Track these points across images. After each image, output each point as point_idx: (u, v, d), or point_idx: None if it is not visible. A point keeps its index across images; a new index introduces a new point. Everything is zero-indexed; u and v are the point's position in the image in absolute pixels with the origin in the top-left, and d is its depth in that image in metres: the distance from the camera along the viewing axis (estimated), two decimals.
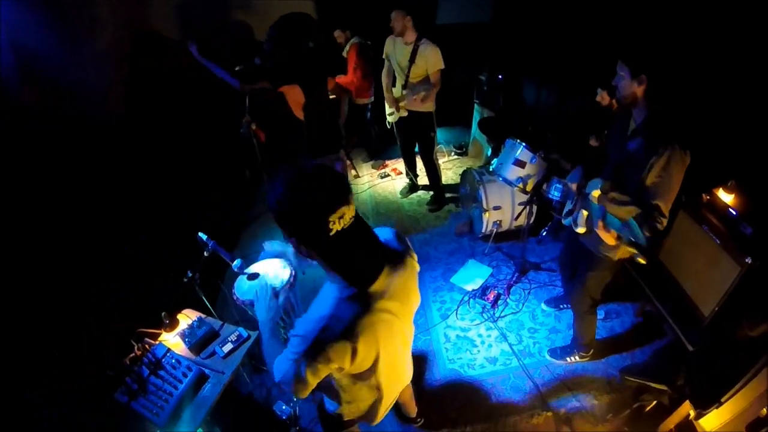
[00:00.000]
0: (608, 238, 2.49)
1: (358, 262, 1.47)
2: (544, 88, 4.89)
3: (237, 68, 3.69)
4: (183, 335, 2.37)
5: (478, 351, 3.43)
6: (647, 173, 2.23)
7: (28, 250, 3.39)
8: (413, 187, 5.18)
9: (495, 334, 3.54)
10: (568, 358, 3.30)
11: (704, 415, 2.56)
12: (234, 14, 5.22)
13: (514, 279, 3.90)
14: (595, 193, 2.38)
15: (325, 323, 1.46)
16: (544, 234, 4.09)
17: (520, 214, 3.88)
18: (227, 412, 2.50)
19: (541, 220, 4.14)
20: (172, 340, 2.42)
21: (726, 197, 2.97)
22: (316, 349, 1.45)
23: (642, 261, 2.49)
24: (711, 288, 2.89)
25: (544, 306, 3.72)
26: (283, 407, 3.02)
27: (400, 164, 5.47)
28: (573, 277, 3.05)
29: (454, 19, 5.48)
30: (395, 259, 1.60)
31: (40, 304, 3.32)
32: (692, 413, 2.65)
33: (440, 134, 4.61)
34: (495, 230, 4.08)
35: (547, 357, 3.36)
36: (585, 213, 2.62)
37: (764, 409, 2.25)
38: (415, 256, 1.73)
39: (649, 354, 3.37)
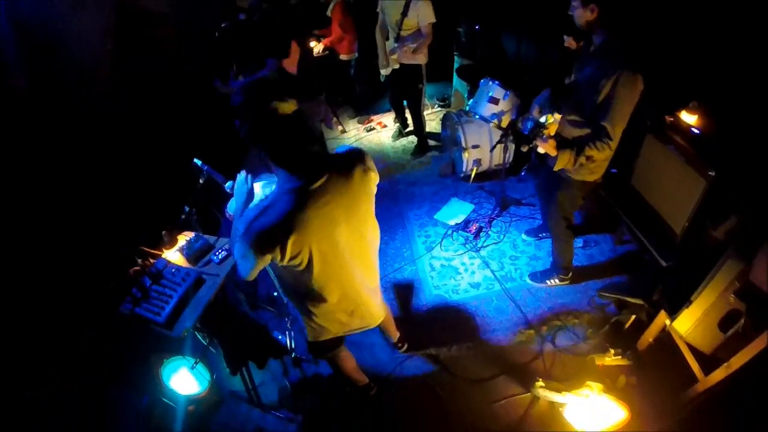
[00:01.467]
0: (549, 149, 2.63)
1: (301, 156, 1.62)
2: (523, 38, 4.97)
3: (222, 24, 3.76)
4: (182, 249, 2.56)
5: (462, 278, 3.59)
6: (598, 95, 2.38)
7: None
8: (402, 133, 5.37)
9: (478, 263, 3.68)
10: (548, 281, 3.45)
11: (677, 317, 2.72)
12: None
13: (495, 213, 4.04)
14: (557, 116, 2.52)
15: (263, 210, 1.60)
16: (523, 173, 4.25)
17: (494, 146, 3.98)
18: (228, 335, 2.61)
19: (521, 159, 4.26)
20: (172, 256, 2.58)
21: (688, 118, 3.10)
22: (249, 237, 1.60)
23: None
24: (681, 205, 3.03)
25: (524, 236, 3.87)
26: (279, 337, 3.14)
27: (385, 118, 5.65)
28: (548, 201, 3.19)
29: None
30: (342, 166, 1.71)
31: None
32: (668, 322, 2.82)
33: (427, 89, 4.69)
34: (476, 168, 4.20)
35: (528, 281, 3.51)
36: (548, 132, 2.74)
37: (731, 298, 2.40)
38: (372, 173, 1.81)
39: (627, 277, 3.51)
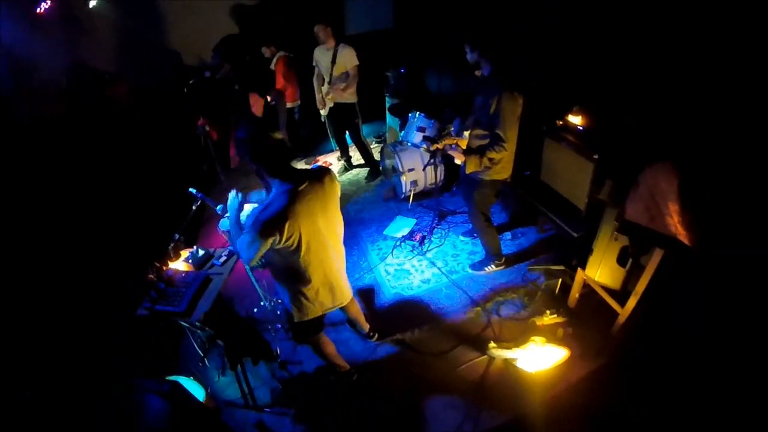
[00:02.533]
0: (459, 156, 3.42)
1: (289, 168, 2.31)
2: (442, 76, 5.85)
3: (191, 81, 4.37)
4: (186, 259, 2.96)
5: (414, 277, 4.11)
6: (489, 110, 3.19)
7: None
8: (347, 168, 5.97)
9: (425, 263, 4.23)
10: (486, 268, 4.02)
11: (586, 266, 3.34)
12: (166, 41, 5.78)
13: (435, 223, 4.63)
14: (467, 132, 3.35)
15: (265, 205, 2.25)
16: (455, 189, 4.94)
17: (425, 166, 4.65)
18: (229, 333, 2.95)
19: (452, 176, 4.98)
20: (180, 266, 2.95)
21: (574, 119, 3.93)
22: (259, 224, 2.18)
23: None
24: (579, 187, 3.75)
25: (461, 237, 4.48)
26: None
27: (329, 157, 6.22)
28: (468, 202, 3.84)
29: (362, 28, 6.40)
30: (317, 176, 2.39)
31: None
32: (583, 274, 3.43)
33: (363, 129, 5.45)
34: (413, 189, 4.84)
35: (470, 271, 4.08)
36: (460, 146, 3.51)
37: (616, 235, 3.04)
38: (336, 182, 2.51)
39: (551, 254, 4.16)
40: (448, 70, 5.72)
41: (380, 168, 5.53)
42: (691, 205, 2.64)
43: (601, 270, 3.26)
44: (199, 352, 3.32)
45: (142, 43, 5.53)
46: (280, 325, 3.69)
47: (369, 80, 5.13)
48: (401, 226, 4.65)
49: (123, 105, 5.13)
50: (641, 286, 2.97)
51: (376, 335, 3.54)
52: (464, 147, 3.51)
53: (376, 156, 5.71)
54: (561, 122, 4.02)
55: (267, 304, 3.63)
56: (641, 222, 2.80)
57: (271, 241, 2.21)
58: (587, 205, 3.72)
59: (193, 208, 3.01)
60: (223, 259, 2.98)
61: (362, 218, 4.93)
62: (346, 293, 2.82)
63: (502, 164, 3.42)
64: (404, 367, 3.37)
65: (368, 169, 5.70)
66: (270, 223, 2.18)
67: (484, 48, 3.16)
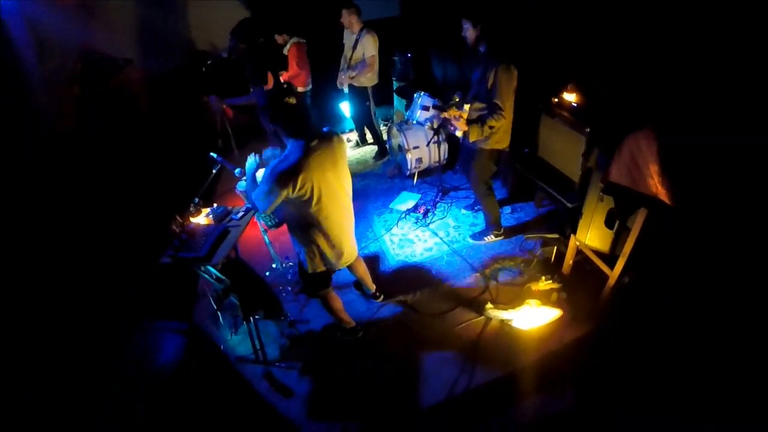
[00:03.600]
0: (462, 126, 3.64)
1: (302, 127, 2.56)
2: (447, 61, 6.05)
3: (208, 62, 4.66)
4: (207, 215, 3.23)
5: (417, 245, 4.34)
6: (487, 84, 3.43)
7: None
8: (359, 144, 6.27)
9: (428, 234, 4.46)
10: (485, 238, 4.23)
11: (577, 230, 3.53)
12: (178, 27, 6.05)
13: (438, 198, 4.85)
14: (467, 105, 3.58)
15: (283, 158, 2.52)
16: (458, 167, 5.14)
17: (429, 143, 4.86)
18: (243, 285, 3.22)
19: (454, 155, 5.17)
20: (200, 221, 3.22)
21: (569, 96, 4.11)
22: (275, 174, 2.45)
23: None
24: (574, 160, 3.93)
25: (463, 210, 4.70)
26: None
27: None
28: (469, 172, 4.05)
29: (370, 15, 6.59)
30: (326, 135, 2.65)
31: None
32: (575, 240, 3.62)
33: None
34: (418, 166, 5.07)
35: (470, 240, 4.29)
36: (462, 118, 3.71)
37: (602, 197, 3.23)
38: (344, 142, 2.78)
39: (547, 226, 4.35)
40: (452, 56, 5.92)
41: (387, 148, 5.76)
42: (670, 166, 2.82)
43: (590, 233, 3.45)
44: (214, 305, 3.57)
45: (155, 29, 5.79)
46: (290, 288, 3.93)
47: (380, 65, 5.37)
48: (406, 200, 4.88)
49: (136, 90, 5.41)
50: (628, 247, 3.15)
51: (382, 296, 3.79)
52: (465, 117, 3.72)
53: (385, 137, 5.94)
54: (556, 100, 4.21)
55: (279, 265, 3.88)
56: (624, 184, 2.99)
57: (286, 191, 2.46)
58: (580, 177, 3.90)
59: (213, 171, 3.25)
60: (241, 214, 3.25)
61: (369, 193, 5.16)
62: (353, 252, 3.08)
63: (500, 133, 3.66)
64: (405, 326, 3.61)
65: (376, 149, 5.95)
66: (286, 173, 2.44)
67: (483, 24, 3.39)
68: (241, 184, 3.30)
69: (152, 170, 4.86)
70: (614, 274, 3.33)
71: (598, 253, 3.48)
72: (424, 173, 5.27)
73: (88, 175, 4.47)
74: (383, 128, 6.21)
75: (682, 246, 3.09)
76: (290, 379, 3.33)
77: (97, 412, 2.65)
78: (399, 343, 3.49)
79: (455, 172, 5.32)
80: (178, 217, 2.96)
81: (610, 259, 3.40)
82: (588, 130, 3.74)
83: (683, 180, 2.81)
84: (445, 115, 3.65)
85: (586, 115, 3.89)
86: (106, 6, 5.38)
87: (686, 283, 3.20)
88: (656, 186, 2.85)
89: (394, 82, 6.18)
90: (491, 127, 3.53)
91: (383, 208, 4.89)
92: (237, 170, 3.24)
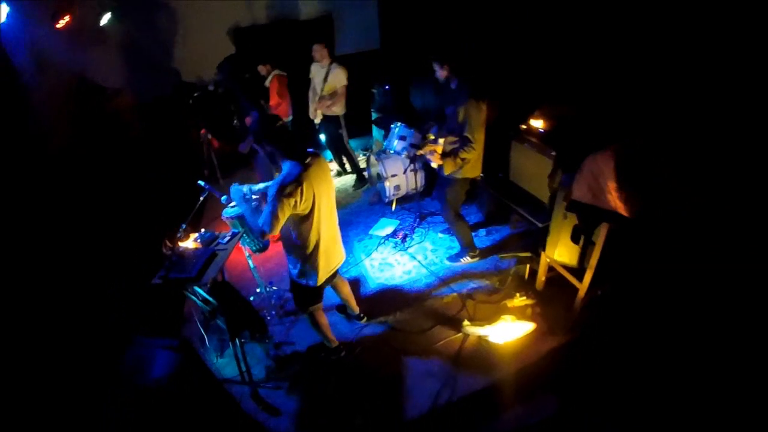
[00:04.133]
0: (437, 160, 3.88)
1: (297, 148, 2.75)
2: (425, 91, 6.33)
3: (195, 94, 4.90)
4: (195, 239, 3.33)
5: (396, 269, 4.50)
6: (459, 118, 3.70)
7: None
8: (341, 172, 6.44)
9: (407, 258, 4.62)
10: (461, 260, 4.42)
11: (546, 246, 3.74)
12: (167, 58, 6.28)
13: (416, 223, 5.04)
14: (441, 140, 3.87)
15: (285, 174, 2.69)
16: (435, 194, 5.38)
17: (406, 170, 5.13)
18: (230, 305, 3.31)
19: (431, 182, 5.42)
20: (189, 245, 3.31)
21: (535, 123, 4.41)
22: (282, 189, 2.62)
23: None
24: (543, 182, 4.18)
25: (440, 234, 4.89)
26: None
27: None
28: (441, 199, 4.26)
29: (351, 48, 6.93)
30: (316, 155, 2.87)
31: None
32: (545, 256, 3.82)
33: (352, 143, 5.99)
34: (397, 193, 5.29)
35: (447, 262, 4.47)
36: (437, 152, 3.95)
37: (566, 213, 3.45)
38: (326, 161, 2.98)
39: (521, 245, 4.54)
40: (430, 86, 6.23)
41: (366, 176, 5.99)
42: (626, 182, 3.06)
43: (558, 249, 3.65)
44: (201, 329, 3.66)
45: (145, 60, 6.03)
46: (274, 311, 4.04)
47: (357, 96, 5.66)
48: (385, 226, 5.06)
49: (125, 118, 5.61)
50: (594, 259, 3.35)
51: (365, 318, 3.92)
52: (439, 151, 3.96)
53: (363, 166, 6.16)
54: (524, 126, 4.50)
55: (263, 290, 4.00)
56: (586, 200, 3.22)
57: (293, 203, 2.63)
58: (549, 198, 4.14)
59: (201, 198, 3.41)
60: (227, 238, 3.36)
61: (350, 221, 5.33)
62: (341, 255, 3.30)
63: (472, 163, 3.89)
64: (388, 344, 3.72)
65: (354, 177, 6.16)
66: (292, 185, 2.63)
67: (451, 64, 3.68)
68: (228, 211, 3.46)
69: (142, 194, 5.00)
70: (583, 285, 3.51)
71: (568, 268, 3.67)
72: (403, 200, 5.47)
73: (79, 193, 4.60)
74: (362, 158, 6.44)
75: (643, 254, 3.31)
76: (277, 398, 3.42)
77: (88, 423, 2.71)
78: (382, 361, 3.60)
79: (432, 198, 5.53)
80: (167, 241, 3.08)
81: (578, 272, 3.58)
82: (554, 153, 4.01)
83: (638, 193, 3.05)
84: (420, 152, 3.89)
85: (551, 139, 4.18)
86: (101, 35, 5.61)
87: (652, 289, 3.40)
88: (615, 201, 3.07)
89: (373, 114, 6.45)
90: (463, 159, 3.77)
91: (363, 234, 5.06)
92: (224, 198, 3.40)
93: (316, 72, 5.49)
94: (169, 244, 3.06)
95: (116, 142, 5.31)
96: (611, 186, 3.08)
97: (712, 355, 3.04)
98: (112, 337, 3.29)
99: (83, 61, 5.44)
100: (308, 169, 2.72)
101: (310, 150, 2.89)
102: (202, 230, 3.43)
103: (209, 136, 5.05)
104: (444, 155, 3.86)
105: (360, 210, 5.61)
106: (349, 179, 6.30)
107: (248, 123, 4.97)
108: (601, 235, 3.24)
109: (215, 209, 4.30)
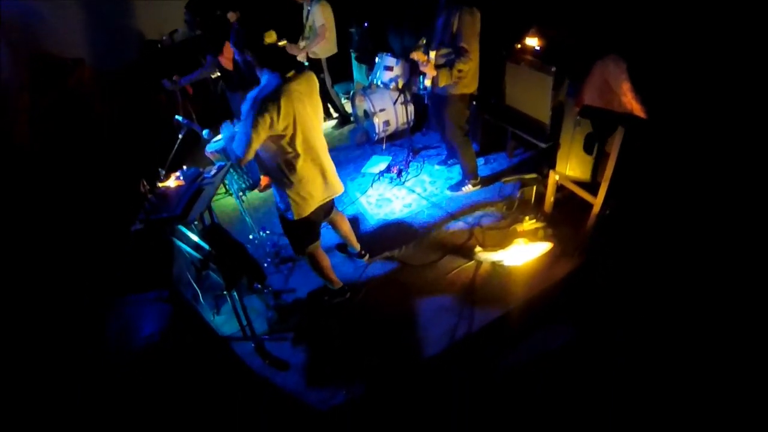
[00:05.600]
0: (431, 71, 3.55)
1: (279, 60, 2.41)
2: (404, 30, 5.93)
3: (164, 36, 4.40)
4: (177, 177, 2.96)
5: (395, 203, 4.25)
6: (452, 28, 3.41)
7: None
8: (325, 118, 6.03)
9: (405, 192, 4.37)
10: (463, 188, 4.18)
11: (556, 162, 3.51)
12: (126, 19, 5.71)
13: (409, 158, 4.76)
14: (432, 53, 3.53)
15: (261, 87, 2.36)
16: (425, 129, 5.11)
17: (396, 102, 4.82)
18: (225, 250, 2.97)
19: (421, 119, 5.16)
20: (171, 184, 2.96)
21: (531, 41, 4.13)
22: (256, 105, 2.28)
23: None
24: (542, 102, 3.95)
25: (436, 166, 4.64)
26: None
27: None
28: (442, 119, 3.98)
29: None
30: (301, 68, 2.53)
31: None
32: (555, 176, 3.60)
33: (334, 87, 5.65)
34: (386, 129, 4.98)
35: (448, 192, 4.23)
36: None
37: (579, 120, 3.21)
38: (314, 77, 2.61)
39: (524, 170, 4.32)
40: (409, 25, 5.83)
41: (350, 117, 5.71)
42: (640, 81, 2.84)
43: (570, 163, 3.44)
44: (195, 285, 3.35)
45: (102, 24, 5.42)
46: (270, 259, 3.74)
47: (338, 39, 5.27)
48: (378, 162, 4.78)
49: (87, 90, 5.07)
50: (608, 170, 3.15)
51: (368, 255, 3.66)
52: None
53: (348, 109, 5.84)
54: (519, 45, 4.22)
55: (256, 235, 3.68)
56: (598, 105, 3.00)
57: (268, 121, 2.30)
58: (550, 117, 3.92)
59: (180, 136, 3.04)
60: (214, 172, 3.03)
61: (338, 161, 4.95)
62: (338, 185, 2.96)
63: (468, 78, 3.62)
64: (395, 281, 3.50)
65: (336, 120, 5.86)
66: (268, 99, 2.29)
67: None
68: (211, 145, 3.11)
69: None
70: (598, 201, 3.32)
71: (580, 184, 3.46)
72: (393, 137, 5.18)
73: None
74: (345, 102, 6.08)
75: (659, 162, 3.12)
76: (283, 351, 3.13)
77: (76, 389, 2.38)
78: (392, 299, 3.37)
79: (423, 134, 5.26)
80: (144, 182, 2.71)
81: (592, 187, 3.38)
82: (554, 69, 3.74)
83: (654, 92, 2.84)
84: (414, 55, 3.55)
85: (549, 55, 3.91)
86: (54, 4, 4.99)
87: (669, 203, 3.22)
88: (630, 102, 2.87)
89: (353, 55, 6.04)
90: (459, 71, 3.48)
91: (355, 173, 4.77)
92: (205, 131, 3.05)
93: (304, 12, 5.06)
94: (146, 184, 2.68)
95: (82, 122, 4.80)
96: (625, 87, 2.88)
97: (733, 275, 2.87)
98: (97, 296, 2.92)
99: (36, 36, 4.86)
100: (289, 83, 2.39)
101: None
102: (184, 167, 3.05)
103: (179, 86, 4.58)
104: (438, 67, 3.54)
105: (348, 151, 5.31)
106: (332, 123, 5.97)
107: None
108: (615, 143, 3.04)
109: (196, 152, 3.94)
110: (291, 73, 2.42)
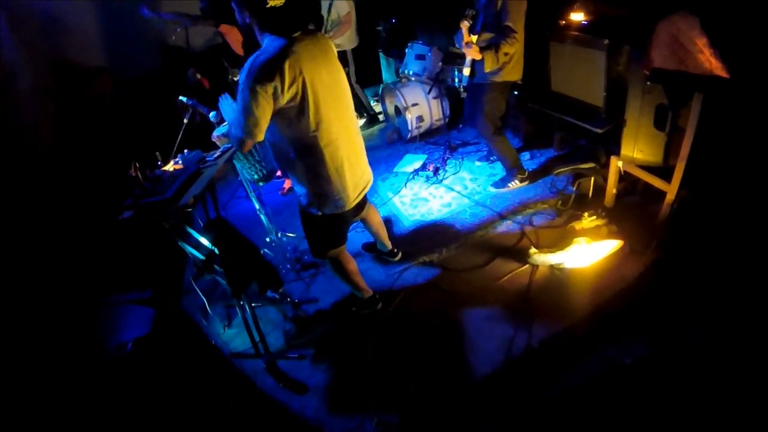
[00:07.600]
0: (475, 54, 3.15)
1: (285, 23, 1.93)
2: (434, 25, 5.57)
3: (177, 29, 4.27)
4: (176, 161, 2.56)
5: (433, 203, 3.81)
6: (495, 7, 3.04)
7: None
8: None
9: (443, 190, 3.93)
10: (509, 185, 3.71)
11: (621, 145, 3.03)
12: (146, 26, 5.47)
13: (446, 155, 4.32)
14: (474, 38, 3.15)
15: (260, 51, 1.90)
16: (461, 126, 4.67)
17: (429, 91, 4.35)
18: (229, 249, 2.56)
19: (457, 114, 4.73)
20: (169, 169, 2.58)
21: (576, 16, 3.68)
22: (253, 72, 1.83)
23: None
24: (595, 82, 3.49)
25: (477, 163, 4.19)
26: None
27: None
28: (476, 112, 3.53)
29: None
30: (311, 30, 2.06)
31: None
32: (618, 162, 3.11)
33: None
34: (419, 125, 4.56)
35: (492, 190, 3.77)
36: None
37: (648, 87, 2.72)
38: (330, 40, 2.23)
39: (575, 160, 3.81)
40: (439, 22, 5.47)
41: (378, 116, 5.36)
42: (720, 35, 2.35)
43: (638, 144, 2.95)
44: (199, 292, 2.95)
45: (123, 33, 5.21)
46: (290, 265, 3.34)
47: (363, 37, 4.95)
48: (412, 161, 4.37)
49: (108, 100, 4.89)
50: (685, 148, 2.65)
51: (400, 254, 3.23)
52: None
53: (378, 109, 5.49)
54: (563, 21, 3.78)
55: (273, 238, 3.28)
56: (671, 67, 2.53)
57: (270, 90, 1.84)
58: (605, 100, 3.45)
59: (185, 120, 2.69)
60: (217, 154, 2.63)
61: (369, 162, 4.62)
62: (368, 171, 2.53)
63: (513, 62, 3.25)
64: (436, 288, 3.03)
65: (363, 120, 5.49)
66: (267, 64, 1.83)
67: None
68: (220, 129, 2.74)
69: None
70: (672, 186, 2.81)
71: (649, 169, 2.95)
72: (426, 135, 4.75)
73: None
74: (374, 103, 5.73)
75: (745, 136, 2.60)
76: (302, 372, 2.68)
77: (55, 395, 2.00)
78: (432, 308, 2.90)
79: (459, 131, 4.82)
80: (136, 163, 2.33)
81: (664, 171, 2.86)
82: (606, 41, 3.28)
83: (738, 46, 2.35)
84: (462, 25, 3.15)
85: (600, 27, 3.45)
86: (73, 13, 4.88)
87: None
88: (709, 61, 2.39)
89: (381, 56, 5.72)
90: (506, 54, 3.11)
91: (387, 173, 4.36)
92: (212, 114, 2.69)
93: (324, 7, 4.75)
94: (137, 166, 2.30)
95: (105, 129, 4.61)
96: (701, 43, 2.39)
97: None
98: (83, 296, 2.54)
99: (57, 45, 4.73)
100: (295, 44, 1.90)
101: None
102: (185, 151, 2.66)
103: (198, 76, 4.29)
104: (482, 49, 3.13)
105: (378, 150, 4.90)
106: (361, 123, 5.58)
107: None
108: (692, 114, 2.54)
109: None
110: (297, 34, 1.95)
